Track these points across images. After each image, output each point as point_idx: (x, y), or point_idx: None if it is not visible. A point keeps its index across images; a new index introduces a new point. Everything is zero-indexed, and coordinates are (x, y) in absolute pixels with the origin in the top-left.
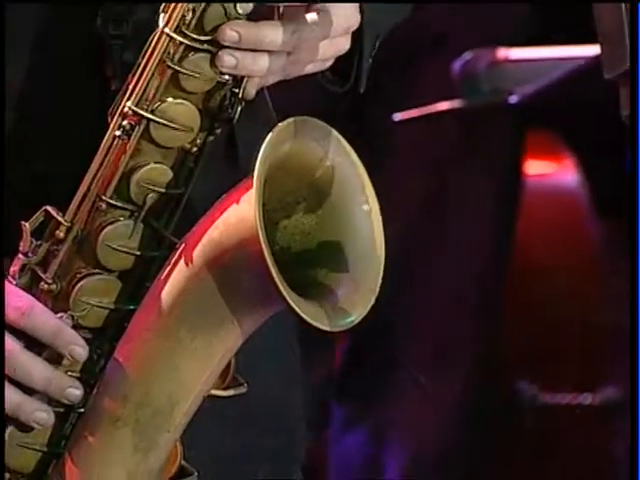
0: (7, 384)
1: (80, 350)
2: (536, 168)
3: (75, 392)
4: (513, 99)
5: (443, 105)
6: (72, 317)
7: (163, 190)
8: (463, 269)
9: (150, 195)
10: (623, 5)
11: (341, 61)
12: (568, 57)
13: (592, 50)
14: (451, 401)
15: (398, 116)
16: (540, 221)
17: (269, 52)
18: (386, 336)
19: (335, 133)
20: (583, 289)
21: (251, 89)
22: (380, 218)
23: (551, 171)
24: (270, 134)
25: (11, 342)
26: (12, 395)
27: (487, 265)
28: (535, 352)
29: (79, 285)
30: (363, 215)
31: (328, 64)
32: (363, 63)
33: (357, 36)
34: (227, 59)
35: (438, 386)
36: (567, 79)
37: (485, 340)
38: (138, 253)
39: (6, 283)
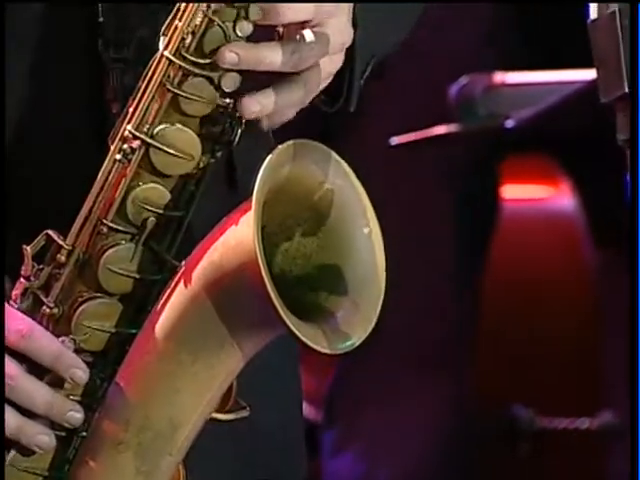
0: (8, 408)
1: (81, 373)
2: (532, 193)
3: (76, 416)
4: (509, 123)
5: (440, 129)
6: (74, 341)
7: (162, 211)
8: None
9: (151, 218)
10: (619, 29)
11: (332, 81)
12: (564, 81)
13: (588, 74)
14: (437, 424)
15: (395, 140)
16: (536, 246)
17: (287, 85)
18: (371, 359)
19: (334, 155)
20: (580, 314)
21: (266, 124)
22: (381, 241)
23: (547, 196)
24: (269, 157)
25: (12, 365)
26: (13, 419)
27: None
28: (532, 376)
29: (80, 309)
30: (364, 238)
31: (327, 82)
32: (354, 82)
33: (349, 55)
34: (252, 105)
35: (424, 408)
36: (563, 103)
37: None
38: (139, 276)
39: (7, 306)
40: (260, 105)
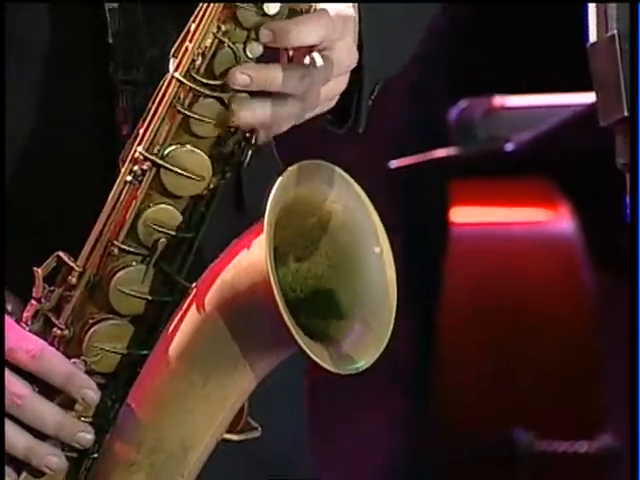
0: (17, 428)
1: (92, 394)
2: (532, 216)
3: (86, 437)
4: (509, 146)
5: (439, 152)
6: (85, 362)
7: (173, 233)
8: None
9: (162, 239)
10: (618, 52)
11: (340, 102)
12: (564, 105)
13: (587, 98)
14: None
15: (394, 163)
16: (535, 269)
17: (283, 100)
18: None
19: (345, 176)
20: (579, 337)
21: (264, 137)
22: (392, 260)
23: (547, 219)
24: (280, 178)
25: (21, 386)
26: (23, 439)
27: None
28: (531, 400)
29: (92, 330)
30: (375, 257)
31: (332, 103)
32: (363, 103)
33: (357, 76)
34: (243, 114)
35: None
36: (563, 127)
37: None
38: (150, 298)
39: (17, 327)
40: (254, 112)
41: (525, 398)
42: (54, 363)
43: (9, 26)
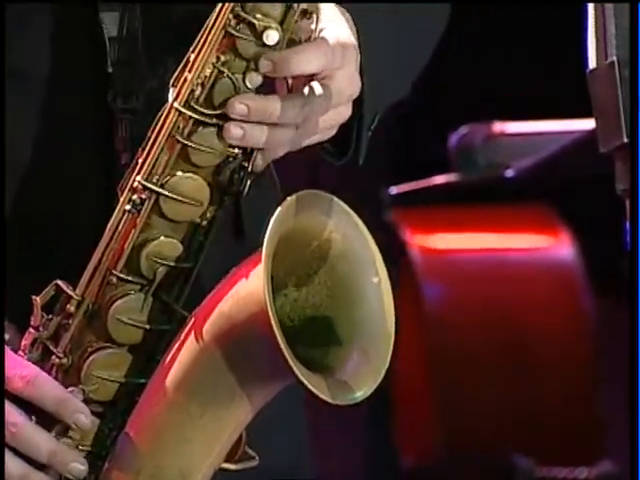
0: (11, 455)
1: (84, 418)
2: (532, 242)
3: (79, 467)
4: (509, 173)
5: (439, 179)
6: (83, 391)
7: (173, 264)
8: None
9: (160, 269)
10: (618, 79)
11: (340, 132)
12: (564, 131)
13: (587, 124)
14: None
15: (394, 189)
16: (535, 296)
17: (278, 124)
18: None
19: (343, 206)
20: (579, 363)
21: (260, 162)
22: (390, 290)
23: (547, 245)
24: (279, 208)
25: (15, 413)
26: (17, 466)
27: None
28: (531, 426)
29: (90, 359)
30: (373, 287)
31: (332, 132)
32: (363, 133)
33: (357, 107)
34: (234, 131)
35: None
36: (563, 153)
37: None
38: (148, 327)
39: (11, 354)
40: (243, 131)
41: (525, 424)
42: (47, 388)
43: (9, 58)
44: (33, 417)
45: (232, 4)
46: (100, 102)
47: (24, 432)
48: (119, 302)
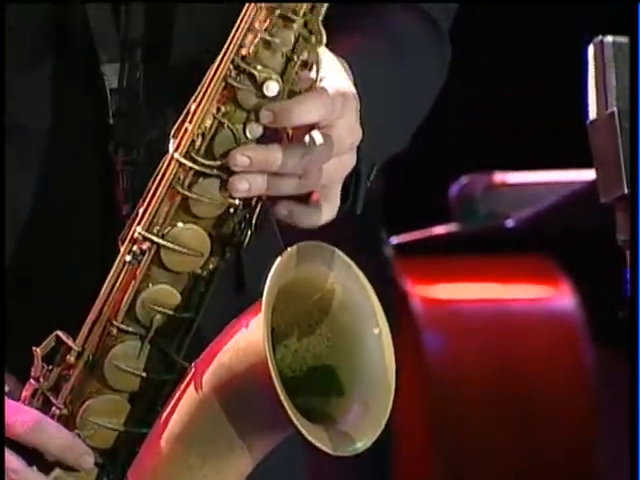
0: None
1: (90, 460)
2: (532, 293)
3: None
4: (510, 223)
5: (440, 229)
6: (79, 436)
7: (170, 312)
8: None
9: (157, 317)
10: (618, 130)
11: None
12: (564, 182)
13: (588, 175)
14: None
15: (394, 239)
16: (535, 346)
17: (280, 174)
18: None
19: (344, 257)
20: (580, 414)
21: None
22: (391, 342)
23: (547, 296)
24: (279, 259)
25: (14, 460)
26: None
27: None
28: (532, 477)
29: (86, 404)
30: (374, 339)
31: (339, 184)
32: (360, 185)
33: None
34: (240, 185)
35: None
36: (563, 204)
37: None
38: (144, 375)
39: (13, 402)
40: (249, 184)
41: (526, 476)
42: (50, 433)
43: (9, 110)
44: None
45: (232, 56)
46: (101, 153)
47: (24, 478)
48: (116, 348)
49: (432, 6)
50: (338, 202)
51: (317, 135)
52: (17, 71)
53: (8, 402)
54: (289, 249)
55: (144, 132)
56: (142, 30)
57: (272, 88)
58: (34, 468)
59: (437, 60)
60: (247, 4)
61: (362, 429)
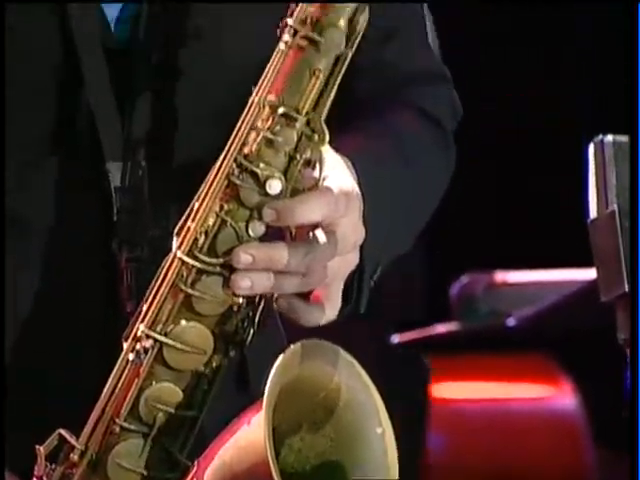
0: None
1: None
2: (533, 392)
3: None
4: (511, 322)
5: (440, 328)
6: None
7: (173, 410)
8: None
9: (160, 415)
10: (619, 229)
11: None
12: (565, 281)
13: (588, 274)
14: None
15: (396, 338)
16: (536, 446)
17: (283, 272)
18: None
19: (346, 356)
20: None
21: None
22: (394, 441)
23: (548, 395)
24: (280, 358)
25: None
26: None
27: None
28: None
29: None
30: (377, 438)
31: (342, 282)
32: (364, 284)
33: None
34: (243, 282)
35: None
36: (564, 303)
37: None
38: (146, 473)
39: None
40: (251, 282)
41: None
42: None
43: (12, 206)
44: None
45: (235, 154)
46: (105, 250)
47: None
48: (119, 447)
49: (437, 107)
50: (340, 301)
51: (320, 234)
52: (20, 166)
53: None
54: (292, 347)
55: (148, 230)
56: (146, 128)
57: (275, 186)
58: None
59: (442, 161)
60: (249, 102)
61: None
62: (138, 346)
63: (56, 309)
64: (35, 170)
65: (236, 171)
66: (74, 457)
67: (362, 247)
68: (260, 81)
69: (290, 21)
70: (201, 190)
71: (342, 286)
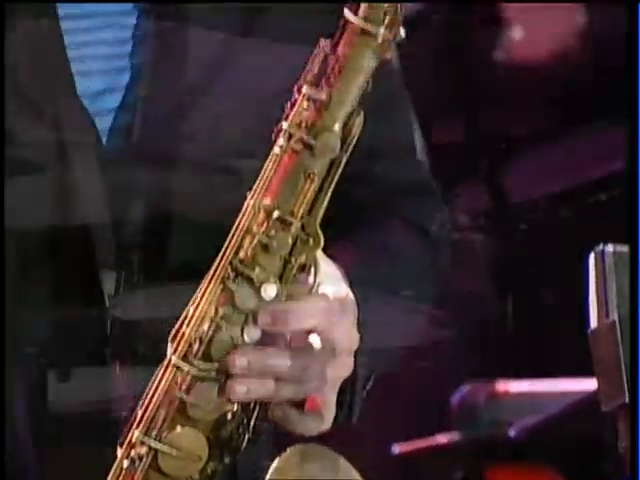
0: None
1: None
2: None
3: None
4: (512, 431)
5: (442, 438)
6: None
7: None
8: None
9: None
10: (619, 339)
11: None
12: (566, 391)
13: (589, 383)
14: None
15: (397, 448)
16: None
17: (278, 378)
18: None
19: (343, 461)
20: None
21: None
22: None
23: None
24: (276, 461)
25: None
26: None
27: None
28: None
29: None
30: None
31: (337, 386)
32: (356, 393)
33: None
34: (239, 388)
35: None
36: (565, 412)
37: None
38: None
39: None
40: (247, 388)
41: None
42: None
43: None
44: None
45: (230, 258)
46: (99, 358)
47: None
48: None
49: (419, 213)
50: (334, 409)
51: (316, 339)
52: (16, 278)
53: None
54: (287, 450)
55: (143, 338)
56: (140, 238)
57: (270, 291)
58: None
59: (431, 269)
60: (244, 207)
61: None
62: (133, 452)
63: (49, 415)
64: (29, 281)
65: (231, 275)
66: None
67: (356, 353)
68: (255, 185)
69: (285, 125)
70: (196, 295)
71: (336, 394)
